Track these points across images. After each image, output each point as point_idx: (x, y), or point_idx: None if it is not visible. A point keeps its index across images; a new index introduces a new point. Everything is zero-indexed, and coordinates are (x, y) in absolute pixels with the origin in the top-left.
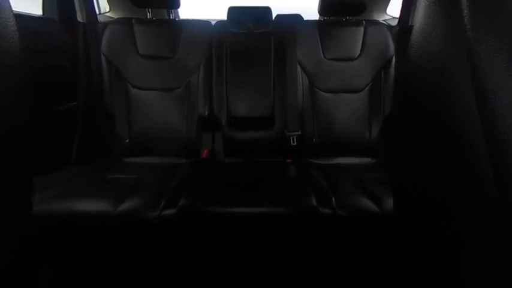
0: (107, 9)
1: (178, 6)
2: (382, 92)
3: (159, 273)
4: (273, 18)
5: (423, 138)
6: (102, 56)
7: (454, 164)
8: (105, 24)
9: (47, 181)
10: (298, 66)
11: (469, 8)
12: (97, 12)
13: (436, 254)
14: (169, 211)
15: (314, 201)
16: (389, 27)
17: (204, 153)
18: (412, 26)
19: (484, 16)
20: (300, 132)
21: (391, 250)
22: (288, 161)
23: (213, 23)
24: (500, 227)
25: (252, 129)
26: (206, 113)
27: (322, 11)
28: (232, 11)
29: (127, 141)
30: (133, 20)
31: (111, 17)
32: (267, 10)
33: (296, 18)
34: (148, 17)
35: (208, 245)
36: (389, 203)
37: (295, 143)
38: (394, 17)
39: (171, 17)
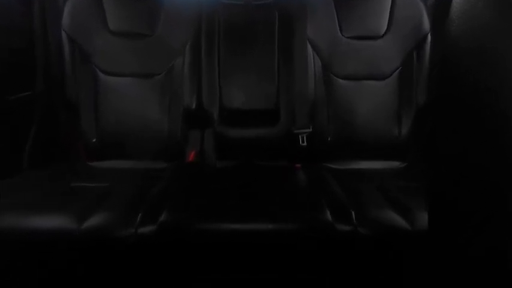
0: None
1: None
2: (414, 78)
3: None
4: None
5: (464, 131)
6: (64, 33)
7: (503, 163)
8: None
9: None
10: (309, 47)
11: None
12: None
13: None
14: (148, 228)
15: (329, 216)
16: None
17: (191, 155)
18: None
19: None
20: (311, 129)
21: (425, 276)
22: (297, 165)
23: None
24: None
25: (251, 125)
26: (193, 105)
27: None
28: None
29: (94, 140)
30: None
31: None
32: None
33: None
34: None
35: (196, 270)
36: (423, 217)
37: (305, 143)
38: None
39: None
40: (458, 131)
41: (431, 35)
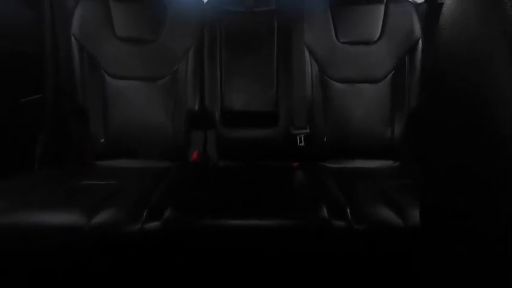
0: None
1: None
2: (406, 82)
3: None
4: None
5: (454, 137)
6: (73, 39)
7: (491, 164)
8: (76, 1)
9: (3, 188)
10: (307, 52)
11: None
12: None
13: (475, 275)
14: (153, 224)
15: (325, 213)
16: (415, 5)
17: (194, 155)
18: (441, 4)
19: None
20: (308, 130)
21: (419, 272)
22: (295, 164)
23: (205, 0)
24: None
25: (252, 126)
26: (196, 107)
27: None
28: None
29: (102, 140)
30: None
31: None
32: None
33: None
34: None
35: (199, 264)
36: (416, 214)
37: (302, 143)
38: None
39: None
40: (447, 132)
41: (422, 42)
